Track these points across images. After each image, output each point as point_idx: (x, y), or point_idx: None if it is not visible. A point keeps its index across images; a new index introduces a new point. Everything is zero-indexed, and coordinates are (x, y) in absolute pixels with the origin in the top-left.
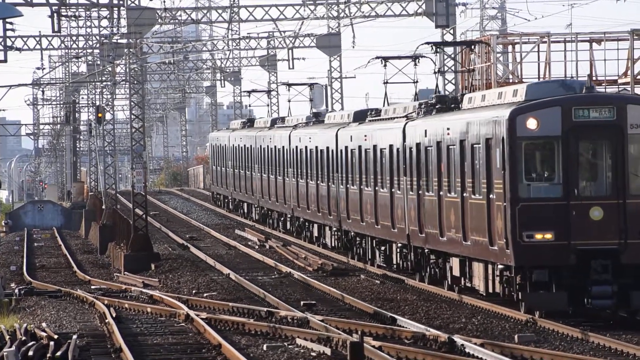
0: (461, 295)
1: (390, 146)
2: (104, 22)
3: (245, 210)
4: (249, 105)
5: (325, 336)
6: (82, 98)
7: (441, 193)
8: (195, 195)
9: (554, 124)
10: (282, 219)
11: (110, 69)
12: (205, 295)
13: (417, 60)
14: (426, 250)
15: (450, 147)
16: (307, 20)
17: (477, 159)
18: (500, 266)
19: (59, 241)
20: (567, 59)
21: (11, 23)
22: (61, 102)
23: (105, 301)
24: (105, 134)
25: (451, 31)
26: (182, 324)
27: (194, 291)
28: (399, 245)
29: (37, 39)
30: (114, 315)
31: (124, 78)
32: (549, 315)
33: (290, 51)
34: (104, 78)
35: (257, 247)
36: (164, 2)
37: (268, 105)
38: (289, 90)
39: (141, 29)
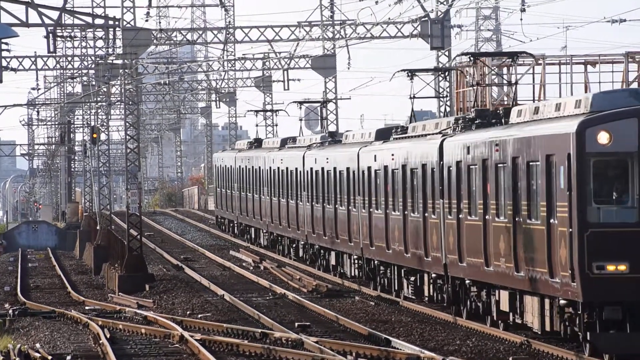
0: (456, 317)
1: (424, 165)
2: (100, 43)
3: (253, 236)
4: (256, 125)
5: (320, 358)
6: (77, 118)
7: (487, 217)
8: (189, 216)
9: (629, 138)
10: (293, 245)
11: (105, 89)
12: (199, 316)
13: (446, 73)
14: (467, 282)
15: (499, 165)
16: (302, 41)
17: (535, 178)
18: (562, 301)
19: (53, 262)
20: (562, 81)
21: (7, 43)
22: (56, 123)
23: (100, 322)
24: (100, 154)
25: (446, 53)
26: (177, 345)
27: (188, 312)
28: (433, 275)
29: (33, 59)
30: (108, 336)
31: (119, 98)
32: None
33: (285, 72)
34: (99, 98)
35: (251, 268)
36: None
37: (273, 126)
38: (300, 108)
39: (136, 50)
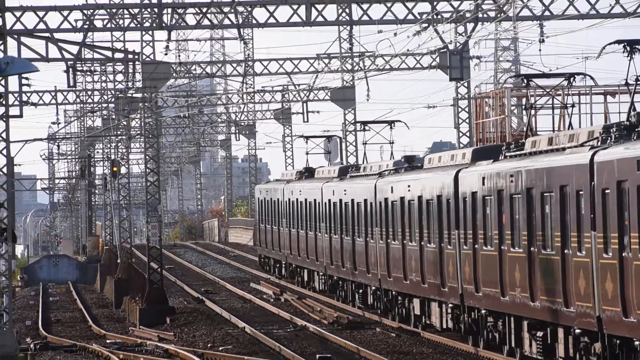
0: (477, 348)
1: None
2: (119, 77)
3: (306, 279)
4: (307, 153)
5: None
6: (97, 152)
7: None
8: (210, 249)
9: None
10: (359, 290)
11: (125, 123)
12: (220, 349)
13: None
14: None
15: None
16: (321, 73)
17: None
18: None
19: (74, 295)
20: (582, 111)
21: (27, 78)
22: (76, 157)
23: (121, 355)
24: (120, 187)
25: (465, 84)
26: None
27: (209, 345)
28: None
29: (53, 93)
30: None
31: (139, 132)
32: None
33: (304, 104)
34: (119, 132)
35: (272, 300)
36: (179, 56)
37: (325, 153)
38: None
39: (156, 83)
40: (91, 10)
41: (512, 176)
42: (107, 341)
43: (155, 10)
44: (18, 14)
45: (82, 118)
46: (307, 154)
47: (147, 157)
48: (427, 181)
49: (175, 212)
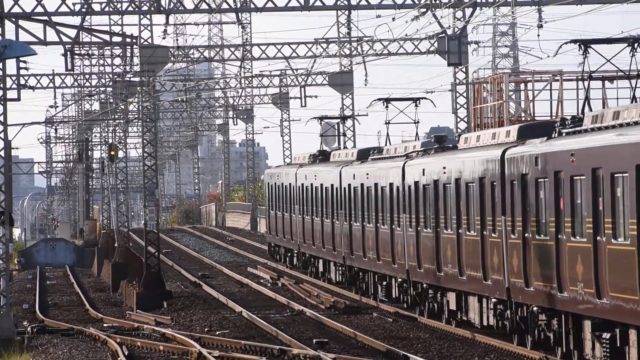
0: (474, 333)
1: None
2: (117, 61)
3: (321, 269)
4: (321, 135)
5: None
6: (95, 136)
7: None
8: (207, 233)
9: None
10: (383, 282)
11: (123, 107)
12: (217, 333)
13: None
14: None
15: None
16: (319, 58)
17: None
18: None
19: (71, 279)
20: (580, 97)
21: (24, 62)
22: (74, 140)
23: (118, 339)
24: (117, 171)
25: (463, 69)
26: None
27: (206, 329)
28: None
29: (50, 77)
30: (126, 353)
31: (136, 116)
32: None
33: (302, 89)
34: (116, 116)
35: (269, 284)
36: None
37: (338, 135)
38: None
39: (154, 67)
40: None
41: (572, 155)
42: (104, 325)
43: None
44: None
45: (79, 102)
46: (321, 136)
47: (144, 141)
48: (467, 162)
49: (172, 197)
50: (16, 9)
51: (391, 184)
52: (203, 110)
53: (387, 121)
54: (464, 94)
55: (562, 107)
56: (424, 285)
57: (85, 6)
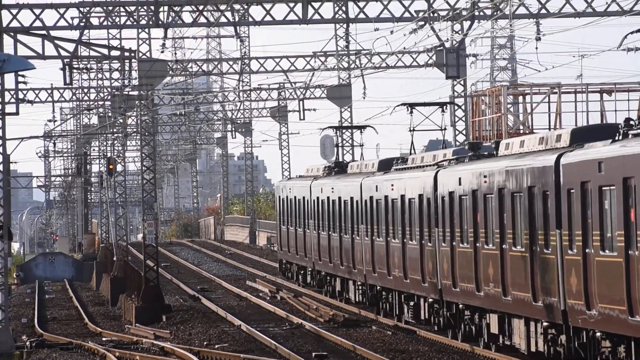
0: (473, 347)
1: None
2: (115, 74)
3: (338, 288)
4: (337, 145)
5: None
6: (94, 150)
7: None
8: (206, 247)
9: None
10: (411, 303)
11: (121, 120)
12: (216, 346)
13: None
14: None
15: None
16: (317, 71)
17: None
18: None
19: (70, 293)
20: (578, 109)
21: (23, 76)
22: (72, 154)
23: (117, 353)
24: (116, 185)
25: (461, 82)
26: None
27: (205, 343)
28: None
29: (49, 91)
30: None
31: (135, 130)
32: None
33: (301, 102)
34: (115, 130)
35: (268, 298)
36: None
37: (353, 146)
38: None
39: (152, 81)
40: (87, 8)
41: None
42: (103, 339)
43: (152, 7)
44: (14, 11)
45: (78, 116)
46: (337, 146)
47: (143, 154)
48: (512, 170)
49: (171, 210)
50: (15, 24)
51: (420, 195)
52: (202, 124)
53: (412, 128)
54: (463, 107)
55: (560, 120)
56: (460, 306)
57: (84, 20)
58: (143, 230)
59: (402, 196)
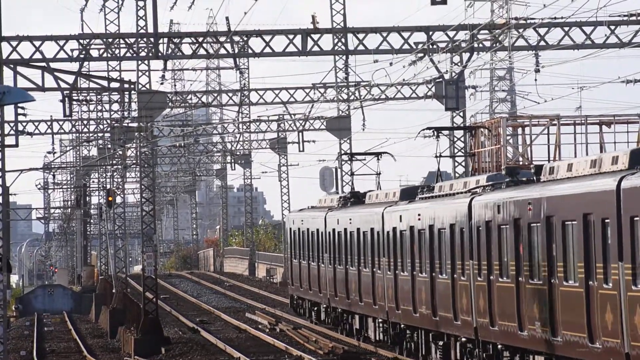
0: None
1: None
2: (115, 106)
3: (357, 326)
4: (351, 174)
5: None
6: (93, 182)
7: None
8: (205, 279)
9: None
10: (439, 342)
11: (121, 152)
12: None
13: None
14: None
15: None
16: (317, 103)
17: None
18: None
19: (69, 325)
20: (577, 141)
21: (23, 108)
22: (72, 186)
23: None
24: (115, 217)
25: (461, 114)
26: None
27: None
28: None
29: (49, 123)
30: None
31: (134, 161)
32: None
33: (300, 134)
34: (114, 161)
35: (267, 330)
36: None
37: (376, 174)
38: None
39: (152, 113)
40: (87, 40)
41: None
42: None
43: (152, 39)
44: (14, 43)
45: (77, 147)
46: (352, 174)
47: (142, 186)
48: (561, 196)
49: (170, 242)
50: (14, 55)
51: (452, 225)
52: (201, 156)
53: (439, 154)
54: (462, 139)
55: (559, 152)
56: (499, 346)
57: (83, 52)
58: (142, 262)
59: (431, 226)
